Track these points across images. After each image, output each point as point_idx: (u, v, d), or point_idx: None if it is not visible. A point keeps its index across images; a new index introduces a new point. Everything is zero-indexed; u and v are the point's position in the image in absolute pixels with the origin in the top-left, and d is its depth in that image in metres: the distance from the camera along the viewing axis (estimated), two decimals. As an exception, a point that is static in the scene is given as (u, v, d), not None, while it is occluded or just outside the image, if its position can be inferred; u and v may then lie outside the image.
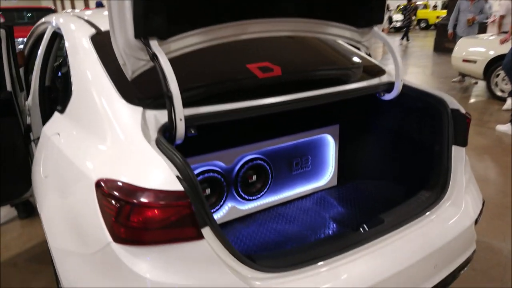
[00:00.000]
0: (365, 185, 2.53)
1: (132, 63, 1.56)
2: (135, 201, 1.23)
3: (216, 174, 2.07)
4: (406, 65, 10.48)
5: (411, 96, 2.12)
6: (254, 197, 2.24)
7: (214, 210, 2.10)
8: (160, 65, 1.45)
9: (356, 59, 2.42)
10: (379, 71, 2.26)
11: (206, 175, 2.04)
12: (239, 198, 2.20)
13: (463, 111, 1.94)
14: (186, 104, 1.60)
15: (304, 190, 2.46)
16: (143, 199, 1.23)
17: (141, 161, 1.34)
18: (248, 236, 2.06)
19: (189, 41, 1.65)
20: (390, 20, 19.50)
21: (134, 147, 1.40)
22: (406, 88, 2.13)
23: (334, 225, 2.14)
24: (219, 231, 1.31)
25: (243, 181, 2.19)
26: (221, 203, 2.12)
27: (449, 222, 1.74)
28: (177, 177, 1.27)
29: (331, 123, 2.46)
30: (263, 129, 2.29)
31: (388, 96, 2.17)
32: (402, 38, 15.74)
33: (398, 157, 2.36)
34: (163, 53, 1.47)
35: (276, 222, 2.20)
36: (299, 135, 2.34)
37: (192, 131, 1.59)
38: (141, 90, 1.68)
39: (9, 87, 2.71)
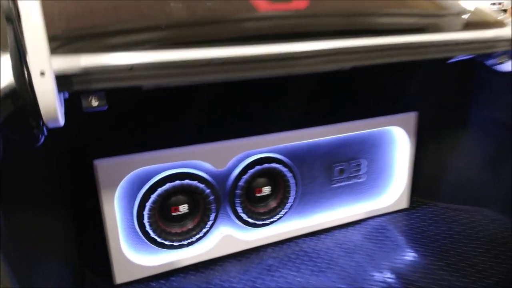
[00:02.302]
0: (454, 213, 1.57)
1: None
2: None
3: (198, 182, 1.25)
4: None
5: None
6: (264, 221, 1.39)
7: (195, 239, 1.29)
8: None
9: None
10: (494, 21, 1.27)
11: (178, 182, 1.22)
12: (238, 222, 1.36)
13: None
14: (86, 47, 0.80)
15: (353, 214, 1.55)
16: None
17: None
18: None
19: None
20: None
21: None
22: None
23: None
24: None
25: (246, 195, 1.35)
26: (206, 228, 1.30)
27: None
28: None
29: (403, 109, 1.52)
30: (283, 113, 1.43)
31: (508, 66, 1.19)
32: None
33: None
34: None
35: (296, 267, 1.33)
36: (346, 125, 1.43)
37: (95, 103, 0.79)
38: None
39: None
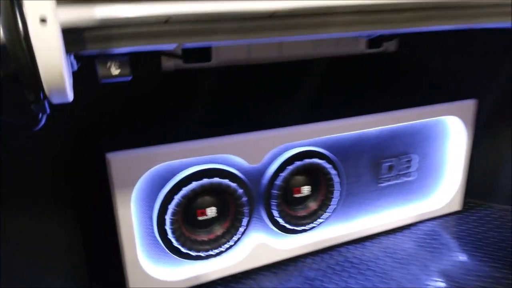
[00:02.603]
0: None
1: None
2: None
3: (228, 181, 1.04)
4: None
5: None
6: (303, 227, 1.19)
7: (224, 248, 1.09)
8: None
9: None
10: None
11: (206, 180, 1.02)
12: (273, 228, 1.16)
13: None
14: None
15: (401, 218, 1.35)
16: None
17: None
18: None
19: None
20: None
21: None
22: None
23: None
24: None
25: (283, 196, 1.14)
26: (238, 236, 1.10)
27: None
28: None
29: (459, 96, 1.32)
30: (325, 100, 1.23)
31: None
32: None
33: None
34: None
35: (343, 281, 1.12)
36: (398, 114, 1.23)
37: (115, 71, 0.59)
38: None
39: None
